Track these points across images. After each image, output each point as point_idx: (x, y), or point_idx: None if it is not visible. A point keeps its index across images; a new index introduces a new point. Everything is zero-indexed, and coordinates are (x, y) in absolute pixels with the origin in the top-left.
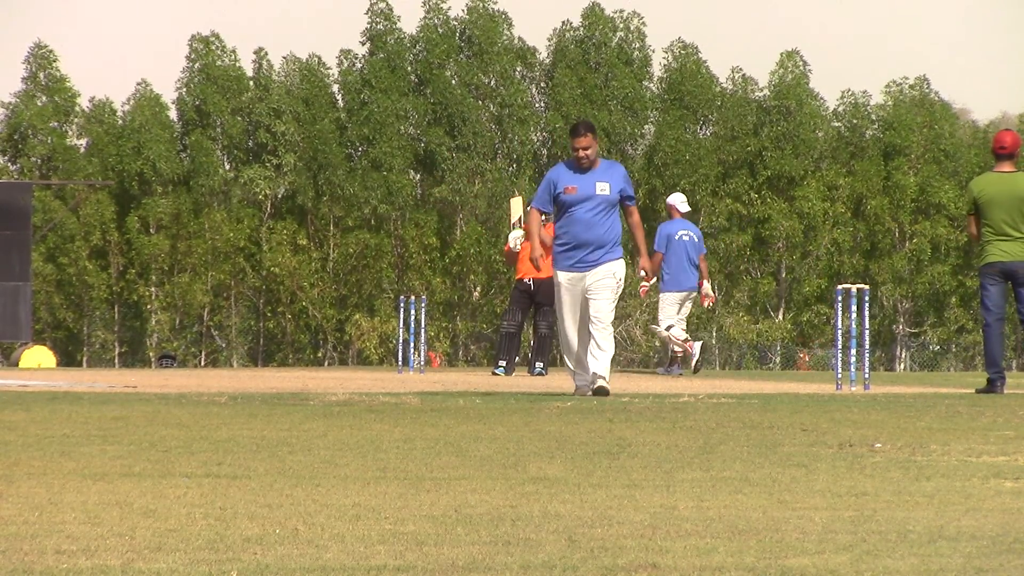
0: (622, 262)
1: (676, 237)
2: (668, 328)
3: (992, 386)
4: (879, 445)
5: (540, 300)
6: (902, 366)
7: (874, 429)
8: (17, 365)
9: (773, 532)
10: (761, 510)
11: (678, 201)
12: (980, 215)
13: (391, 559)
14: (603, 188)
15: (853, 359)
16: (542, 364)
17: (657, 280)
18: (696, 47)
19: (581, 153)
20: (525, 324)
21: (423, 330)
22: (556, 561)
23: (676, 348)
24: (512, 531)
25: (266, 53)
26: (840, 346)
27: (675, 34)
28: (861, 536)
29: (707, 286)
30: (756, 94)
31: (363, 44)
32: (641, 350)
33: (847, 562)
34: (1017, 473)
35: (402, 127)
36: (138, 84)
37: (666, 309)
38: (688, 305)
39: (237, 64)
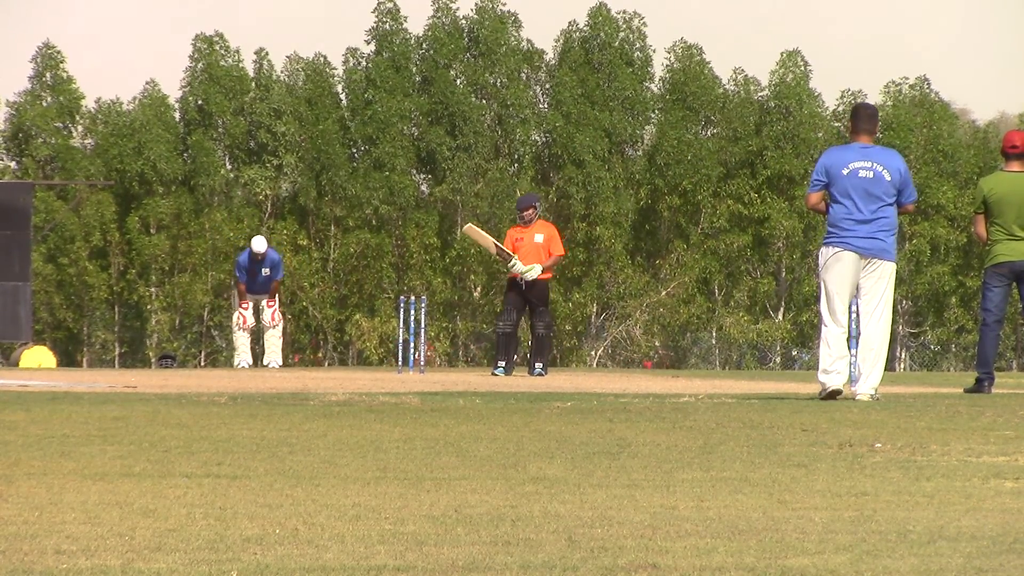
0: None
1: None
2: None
3: (980, 386)
4: (879, 445)
5: (534, 301)
6: (902, 366)
7: (874, 429)
8: (17, 365)
9: (773, 532)
10: (761, 510)
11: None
12: (989, 214)
13: (391, 559)
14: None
15: (853, 359)
16: (541, 364)
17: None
18: (700, 48)
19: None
20: (522, 323)
21: (423, 330)
22: (556, 561)
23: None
24: (512, 531)
25: (267, 53)
26: None
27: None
28: (861, 536)
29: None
30: (757, 94)
31: (368, 43)
32: (640, 350)
33: (847, 562)
34: (1017, 473)
35: (405, 127)
36: (147, 83)
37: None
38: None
39: (240, 64)
